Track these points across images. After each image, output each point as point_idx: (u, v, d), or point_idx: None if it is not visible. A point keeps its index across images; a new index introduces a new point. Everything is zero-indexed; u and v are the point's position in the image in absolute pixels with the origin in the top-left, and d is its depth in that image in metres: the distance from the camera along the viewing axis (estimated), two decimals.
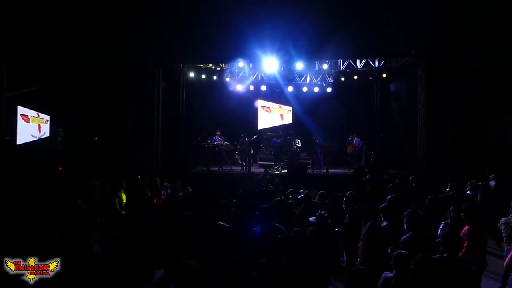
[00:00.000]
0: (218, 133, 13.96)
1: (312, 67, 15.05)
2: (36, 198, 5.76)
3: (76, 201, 4.56)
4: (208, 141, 13.53)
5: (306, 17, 8.98)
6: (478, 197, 7.37)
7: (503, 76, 10.37)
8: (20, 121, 12.43)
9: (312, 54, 11.10)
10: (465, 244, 4.55)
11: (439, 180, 8.60)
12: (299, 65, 14.09)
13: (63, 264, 3.24)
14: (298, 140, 13.93)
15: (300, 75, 15.64)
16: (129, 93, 12.24)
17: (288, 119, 16.16)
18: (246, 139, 13.55)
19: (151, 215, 5.43)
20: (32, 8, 8.39)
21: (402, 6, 9.06)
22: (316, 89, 15.67)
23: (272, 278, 3.41)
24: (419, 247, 3.76)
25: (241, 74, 15.22)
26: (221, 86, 15.34)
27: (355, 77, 14.90)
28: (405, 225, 4.56)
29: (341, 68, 14.84)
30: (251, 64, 14.56)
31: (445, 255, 3.75)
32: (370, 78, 15.25)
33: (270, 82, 15.81)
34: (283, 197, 7.57)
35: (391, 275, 3.46)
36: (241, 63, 14.47)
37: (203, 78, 15.29)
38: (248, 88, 15.47)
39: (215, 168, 13.48)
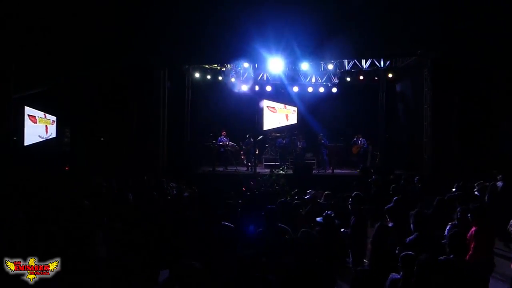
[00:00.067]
0: (224, 133, 13.97)
1: (317, 67, 15.02)
2: (38, 198, 5.79)
3: (81, 201, 4.58)
4: (214, 141, 13.55)
5: (311, 17, 8.97)
6: (486, 198, 7.30)
7: (510, 76, 10.29)
8: (27, 122, 12.51)
9: (318, 54, 11.07)
10: (472, 246, 4.50)
11: (445, 180, 8.54)
12: (304, 65, 14.08)
13: (63, 264, 3.24)
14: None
15: (305, 76, 15.62)
16: (135, 94, 12.30)
17: (293, 119, 16.10)
18: (252, 139, 13.56)
19: (157, 216, 5.44)
20: (40, 9, 8.46)
21: (407, 7, 9.05)
22: (321, 89, 15.63)
23: (278, 278, 3.40)
24: (424, 248, 3.73)
25: (246, 74, 15.22)
26: (226, 86, 15.31)
27: (361, 77, 14.83)
28: (411, 225, 4.52)
29: (347, 68, 14.79)
30: (256, 65, 14.56)
31: (451, 256, 3.71)
32: (376, 78, 15.15)
33: (275, 83, 15.80)
34: (289, 198, 7.55)
35: (398, 276, 3.44)
36: (246, 64, 14.47)
37: (208, 79, 15.32)
38: (253, 89, 15.47)
39: (221, 169, 13.51)
